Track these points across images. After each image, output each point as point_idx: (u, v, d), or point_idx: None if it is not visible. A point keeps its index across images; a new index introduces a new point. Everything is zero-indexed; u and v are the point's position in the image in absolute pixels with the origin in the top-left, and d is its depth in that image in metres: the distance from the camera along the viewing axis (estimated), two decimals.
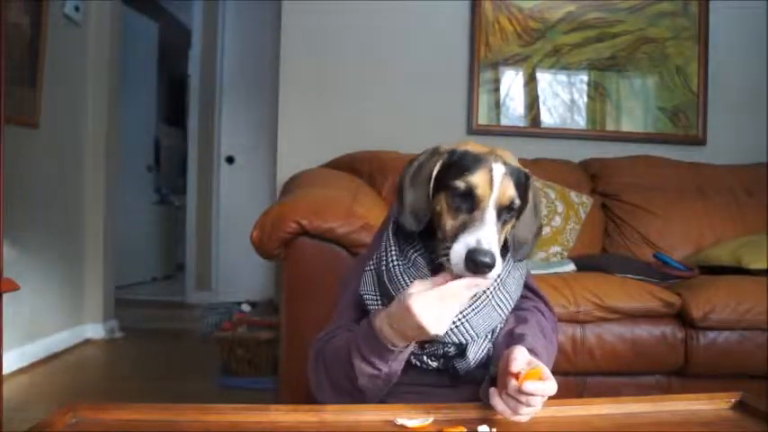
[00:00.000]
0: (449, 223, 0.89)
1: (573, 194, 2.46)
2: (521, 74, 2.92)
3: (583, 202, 2.47)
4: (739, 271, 2.10)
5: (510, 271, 1.02)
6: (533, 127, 2.94)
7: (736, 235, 2.44)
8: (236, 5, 4.61)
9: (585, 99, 2.96)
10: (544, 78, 2.94)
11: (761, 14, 2.94)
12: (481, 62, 2.88)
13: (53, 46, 2.91)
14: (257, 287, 4.05)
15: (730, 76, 2.94)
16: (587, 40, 2.91)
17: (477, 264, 0.82)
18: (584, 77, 2.95)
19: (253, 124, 4.56)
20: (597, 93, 2.95)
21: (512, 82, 2.92)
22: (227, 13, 4.62)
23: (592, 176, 2.69)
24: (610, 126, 2.97)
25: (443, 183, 0.92)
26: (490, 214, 0.87)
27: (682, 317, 1.87)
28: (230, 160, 4.63)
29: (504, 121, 2.92)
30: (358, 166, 2.52)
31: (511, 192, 0.90)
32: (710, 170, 2.70)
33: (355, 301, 1.08)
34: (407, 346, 0.94)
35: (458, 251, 0.84)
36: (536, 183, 0.98)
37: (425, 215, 0.93)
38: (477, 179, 0.88)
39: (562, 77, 2.95)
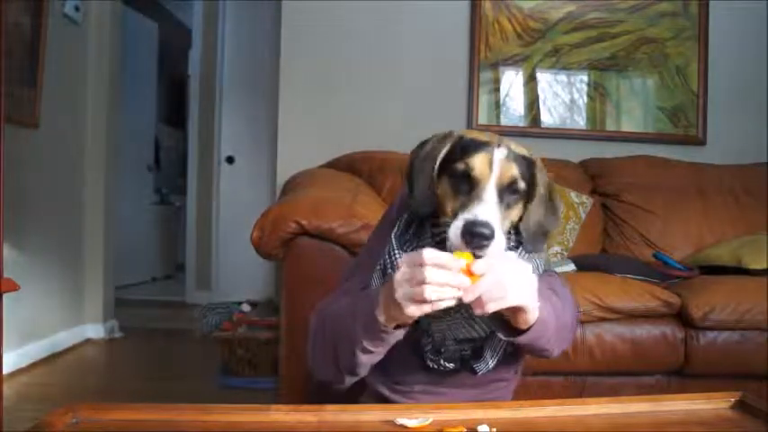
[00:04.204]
0: (449, 205, 0.90)
1: (573, 194, 2.46)
2: (521, 74, 2.92)
3: (583, 202, 2.47)
4: (739, 271, 2.10)
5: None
6: (533, 127, 2.94)
7: (736, 235, 2.44)
8: (236, 5, 4.61)
9: (585, 99, 2.96)
10: (544, 78, 2.94)
11: (761, 14, 2.94)
12: (481, 62, 2.88)
13: (53, 46, 2.91)
14: (257, 287, 4.04)
15: (730, 77, 2.94)
16: (587, 40, 2.91)
17: (473, 234, 0.81)
18: (585, 77, 2.95)
19: (253, 124, 4.56)
20: (597, 93, 2.95)
21: (512, 82, 2.92)
22: (227, 13, 4.61)
23: (592, 176, 2.69)
24: (610, 126, 2.96)
25: (446, 167, 0.92)
26: (489, 193, 0.87)
27: (682, 317, 1.87)
28: (230, 160, 4.63)
29: (504, 121, 2.92)
30: (358, 166, 2.52)
31: (513, 172, 0.89)
32: (710, 170, 2.70)
33: (360, 286, 1.06)
34: (396, 329, 0.91)
35: (455, 226, 0.84)
36: (549, 177, 0.97)
37: (433, 199, 0.93)
38: (476, 161, 0.89)
39: (562, 77, 2.95)
